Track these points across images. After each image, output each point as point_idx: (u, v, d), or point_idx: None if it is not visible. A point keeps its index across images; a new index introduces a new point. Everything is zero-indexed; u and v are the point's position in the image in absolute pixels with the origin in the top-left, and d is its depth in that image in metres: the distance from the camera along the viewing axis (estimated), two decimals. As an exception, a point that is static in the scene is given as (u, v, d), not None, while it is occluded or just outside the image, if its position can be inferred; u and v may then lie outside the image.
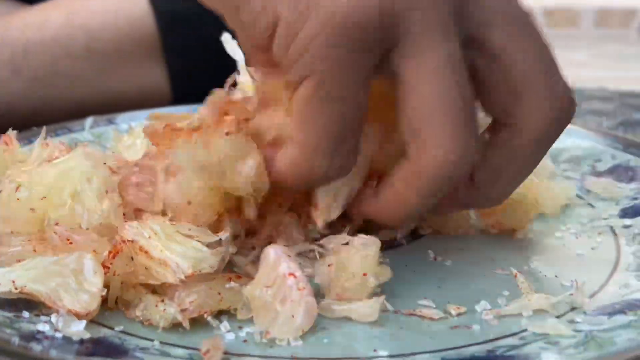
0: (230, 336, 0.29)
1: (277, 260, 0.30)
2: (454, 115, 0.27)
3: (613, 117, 0.78)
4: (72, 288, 0.29)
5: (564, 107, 0.30)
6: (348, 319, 0.30)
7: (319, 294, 0.31)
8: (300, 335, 0.28)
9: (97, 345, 0.27)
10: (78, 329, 0.28)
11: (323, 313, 0.30)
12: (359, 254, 0.31)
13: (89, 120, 0.56)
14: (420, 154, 0.28)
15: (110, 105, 0.61)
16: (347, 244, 0.32)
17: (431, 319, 0.30)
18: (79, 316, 0.28)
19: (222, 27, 0.70)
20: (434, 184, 0.28)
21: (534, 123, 0.29)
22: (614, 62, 1.54)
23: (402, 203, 0.30)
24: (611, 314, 0.29)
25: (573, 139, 0.52)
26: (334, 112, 0.28)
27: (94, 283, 0.29)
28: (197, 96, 0.64)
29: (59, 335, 0.28)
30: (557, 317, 0.30)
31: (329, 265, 0.31)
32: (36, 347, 0.26)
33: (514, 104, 0.29)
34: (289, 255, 0.30)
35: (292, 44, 0.28)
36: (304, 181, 0.31)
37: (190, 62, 0.66)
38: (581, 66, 1.40)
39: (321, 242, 0.33)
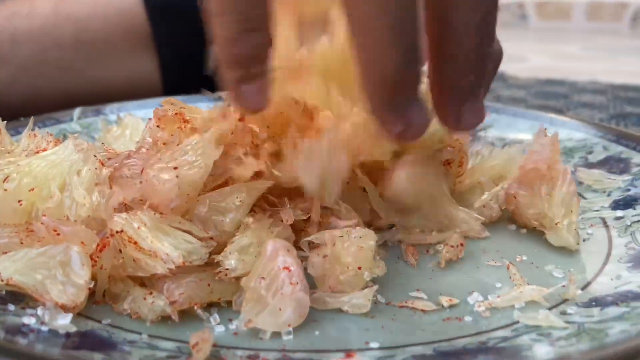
0: (220, 329, 0.28)
1: (274, 253, 0.29)
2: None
3: (606, 110, 0.78)
4: (58, 280, 0.28)
5: None
6: (340, 311, 0.30)
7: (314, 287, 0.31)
8: (285, 330, 0.28)
9: (84, 338, 0.27)
10: (64, 322, 0.27)
11: (316, 305, 0.30)
12: (354, 247, 0.31)
13: (77, 111, 0.55)
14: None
15: (99, 96, 0.60)
16: (342, 236, 0.32)
17: (423, 310, 0.30)
18: (65, 309, 0.28)
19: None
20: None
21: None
22: (606, 55, 1.54)
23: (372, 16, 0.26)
24: (603, 305, 0.29)
25: (566, 130, 0.52)
26: None
27: (81, 275, 0.28)
28: (188, 87, 0.63)
29: (45, 328, 0.27)
30: (549, 308, 0.29)
31: (323, 257, 0.31)
32: (22, 341, 0.26)
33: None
34: (289, 250, 0.30)
35: None
36: None
37: (181, 52, 0.65)
38: (573, 59, 1.40)
39: (315, 235, 0.33)
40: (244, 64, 0.28)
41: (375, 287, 0.30)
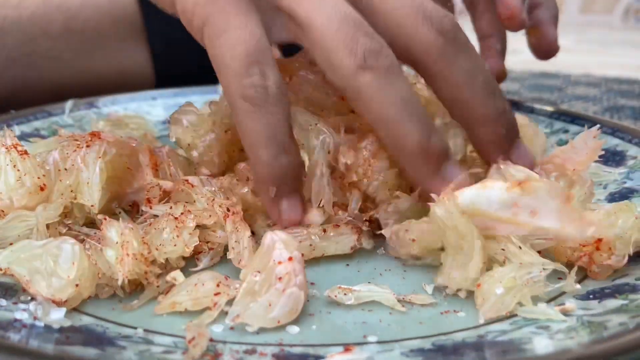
0: (217, 323, 0.28)
1: (271, 245, 0.29)
2: None
3: (599, 103, 0.78)
4: (47, 273, 0.28)
5: None
6: (337, 304, 0.30)
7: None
8: (275, 326, 0.27)
9: (77, 333, 0.26)
10: (58, 317, 0.27)
11: (354, 302, 0.30)
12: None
13: (69, 104, 0.54)
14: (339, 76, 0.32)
15: (90, 87, 0.59)
16: None
17: (421, 304, 0.30)
18: (57, 303, 0.27)
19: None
20: (372, 81, 0.31)
21: None
22: (598, 48, 1.54)
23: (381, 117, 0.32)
24: (602, 298, 0.29)
25: (561, 123, 0.52)
26: (232, 40, 0.31)
27: (66, 270, 0.28)
28: (180, 78, 0.63)
29: (38, 323, 0.27)
30: (548, 301, 0.29)
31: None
32: (14, 337, 0.25)
33: None
34: (287, 242, 0.29)
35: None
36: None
37: (173, 43, 0.64)
38: (566, 52, 1.40)
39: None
40: (279, 181, 0.32)
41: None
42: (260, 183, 0.33)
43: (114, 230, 0.30)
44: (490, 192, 0.31)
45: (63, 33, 0.59)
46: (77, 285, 0.28)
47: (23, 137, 0.48)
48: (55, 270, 0.28)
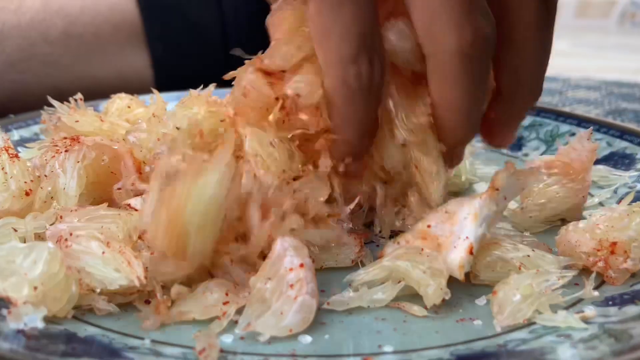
0: (227, 333, 0.27)
1: (282, 253, 0.28)
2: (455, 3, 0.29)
3: (601, 106, 0.78)
4: (10, 271, 0.26)
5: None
6: (349, 313, 0.29)
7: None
8: (287, 335, 0.27)
9: (82, 345, 0.25)
10: (32, 324, 0.26)
11: (335, 307, 0.29)
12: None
13: (68, 108, 0.53)
14: (436, 47, 0.30)
15: (89, 92, 0.58)
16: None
17: (436, 312, 0.29)
18: (15, 305, 0.26)
19: (205, 12, 0.68)
20: (466, 66, 0.30)
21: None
22: (595, 52, 1.55)
23: (453, 100, 0.31)
24: (621, 304, 0.28)
25: (568, 126, 0.52)
26: (346, 14, 0.28)
27: (26, 268, 0.26)
28: (180, 82, 0.62)
29: (39, 333, 0.26)
30: (566, 309, 0.29)
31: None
32: (4, 346, 0.24)
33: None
34: (298, 249, 0.29)
35: None
36: (344, 100, 0.30)
37: (172, 48, 0.63)
38: (564, 56, 1.40)
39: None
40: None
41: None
42: (340, 155, 0.33)
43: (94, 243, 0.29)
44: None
45: (62, 38, 0.58)
46: (35, 288, 0.26)
47: (22, 141, 0.47)
48: (16, 269, 0.26)
